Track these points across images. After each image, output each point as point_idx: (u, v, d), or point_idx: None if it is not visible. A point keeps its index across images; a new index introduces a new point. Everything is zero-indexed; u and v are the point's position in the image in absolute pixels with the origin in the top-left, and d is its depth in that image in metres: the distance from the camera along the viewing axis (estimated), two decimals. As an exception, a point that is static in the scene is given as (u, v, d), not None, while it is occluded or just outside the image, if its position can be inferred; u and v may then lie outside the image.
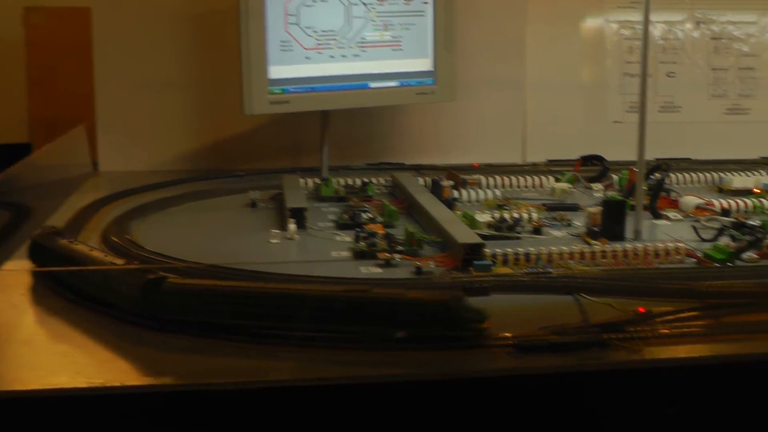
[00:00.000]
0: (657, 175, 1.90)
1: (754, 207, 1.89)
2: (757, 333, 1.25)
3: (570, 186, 2.09)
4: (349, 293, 1.17)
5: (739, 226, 1.69)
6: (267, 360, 1.13)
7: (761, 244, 1.58)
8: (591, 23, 2.50)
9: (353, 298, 1.16)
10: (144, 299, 1.21)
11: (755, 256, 1.55)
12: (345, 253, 1.56)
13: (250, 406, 1.05)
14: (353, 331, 1.15)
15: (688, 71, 2.52)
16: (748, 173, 2.20)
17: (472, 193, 2.00)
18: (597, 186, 2.13)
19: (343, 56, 2.05)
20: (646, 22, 1.65)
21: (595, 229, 1.67)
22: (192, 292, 1.21)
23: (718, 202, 1.89)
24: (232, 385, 1.05)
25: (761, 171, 2.25)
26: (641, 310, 1.22)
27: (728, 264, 1.52)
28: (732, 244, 1.60)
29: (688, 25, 2.53)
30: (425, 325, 1.15)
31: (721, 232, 1.68)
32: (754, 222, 1.72)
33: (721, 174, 2.18)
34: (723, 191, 2.10)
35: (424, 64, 2.15)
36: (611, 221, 1.67)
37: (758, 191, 2.05)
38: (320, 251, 1.60)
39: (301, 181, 2.06)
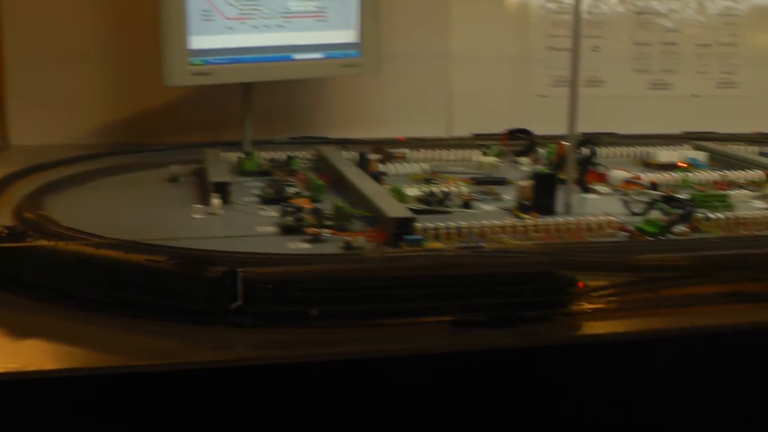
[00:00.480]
0: (585, 149, 1.88)
1: (683, 180, 1.88)
2: (691, 305, 1.24)
3: (497, 160, 2.06)
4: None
5: (669, 199, 1.68)
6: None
7: (691, 217, 1.56)
8: (519, -4, 2.48)
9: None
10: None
11: (686, 229, 1.54)
12: (271, 229, 1.52)
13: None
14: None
15: (613, 46, 2.51)
16: (671, 147, 2.20)
17: (399, 167, 1.96)
18: (524, 160, 2.11)
19: (267, 27, 2.00)
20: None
21: (526, 203, 1.64)
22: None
23: (646, 176, 1.89)
24: (161, 367, 1.00)
25: (685, 145, 2.25)
26: (580, 285, 1.20)
27: (660, 237, 1.51)
28: (663, 217, 1.59)
29: (613, 0, 2.52)
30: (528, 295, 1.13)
31: (651, 205, 1.66)
32: (683, 195, 1.71)
33: (647, 148, 2.17)
34: (649, 165, 2.09)
35: (349, 35, 2.10)
36: (542, 195, 1.64)
37: (684, 165, 2.05)
38: (245, 226, 1.54)
39: (224, 155, 2.01)
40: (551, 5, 2.47)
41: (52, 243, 1.24)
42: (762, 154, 2.21)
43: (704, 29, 2.57)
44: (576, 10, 1.64)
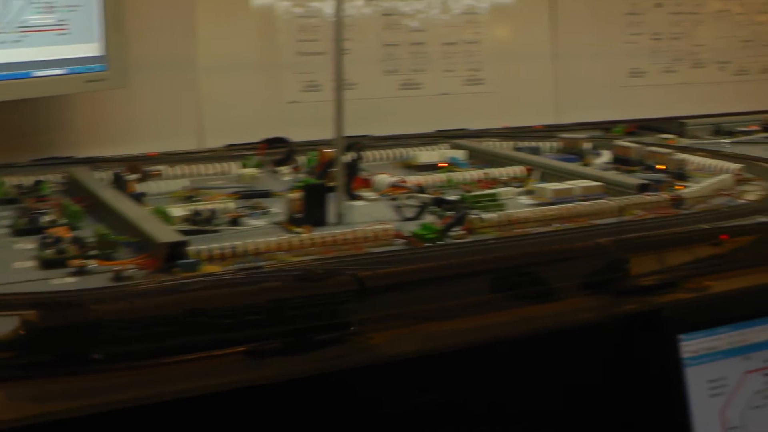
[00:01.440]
0: (350, 154, 1.85)
1: (448, 181, 1.88)
2: (479, 313, 1.23)
3: (257, 171, 2.00)
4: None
5: (440, 202, 1.67)
6: None
7: (465, 219, 1.55)
8: (262, 1, 2.42)
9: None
10: None
11: (462, 231, 1.53)
12: (30, 263, 1.39)
13: None
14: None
15: (361, 48, 2.49)
16: (429, 148, 2.21)
17: (157, 185, 1.86)
18: (284, 169, 2.05)
19: (2, 42, 1.85)
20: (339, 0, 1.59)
21: (297, 215, 1.59)
22: None
23: (411, 179, 1.87)
24: None
25: (440, 145, 2.26)
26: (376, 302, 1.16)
27: (438, 242, 1.49)
28: (437, 221, 1.57)
29: (359, 2, 2.50)
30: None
31: (422, 209, 1.65)
32: (453, 197, 1.70)
33: (405, 150, 2.17)
34: (410, 167, 2.08)
35: (93, 48, 1.98)
36: (313, 206, 1.60)
37: (444, 165, 2.05)
38: (-1, 263, 1.41)
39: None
40: (298, 9, 2.43)
41: None
42: (517, 148, 2.25)
43: (449, 28, 2.60)
44: (338, 13, 1.60)
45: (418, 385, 1.10)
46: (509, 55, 2.67)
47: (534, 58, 2.71)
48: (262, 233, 1.51)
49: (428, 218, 1.60)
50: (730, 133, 2.51)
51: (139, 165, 1.93)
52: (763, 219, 1.63)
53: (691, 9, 2.91)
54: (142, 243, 1.43)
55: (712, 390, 1.19)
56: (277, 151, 2.14)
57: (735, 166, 1.98)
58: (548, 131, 2.53)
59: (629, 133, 2.53)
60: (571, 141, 2.22)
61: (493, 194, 1.71)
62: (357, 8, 2.49)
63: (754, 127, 2.55)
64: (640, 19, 2.84)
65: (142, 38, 2.20)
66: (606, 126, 2.64)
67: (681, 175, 1.92)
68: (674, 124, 2.55)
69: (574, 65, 2.74)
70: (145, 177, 1.90)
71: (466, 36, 2.62)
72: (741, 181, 1.91)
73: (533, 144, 2.29)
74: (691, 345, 1.17)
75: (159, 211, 1.60)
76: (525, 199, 1.76)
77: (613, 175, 1.89)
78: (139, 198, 1.72)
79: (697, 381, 1.17)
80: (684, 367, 1.17)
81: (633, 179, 1.81)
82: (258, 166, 2.04)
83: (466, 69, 2.62)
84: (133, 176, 1.80)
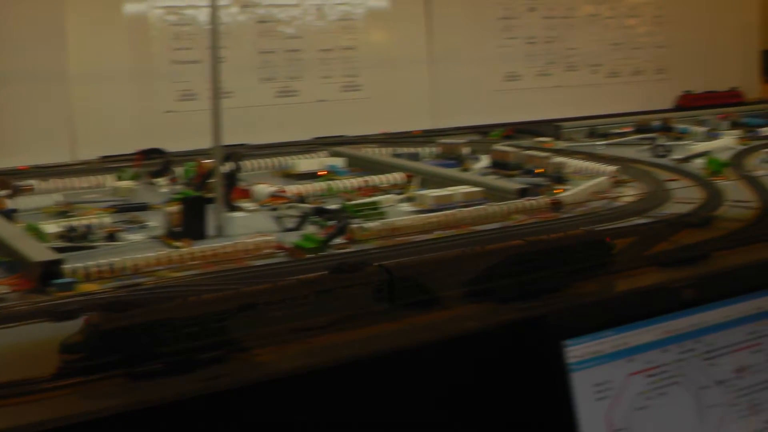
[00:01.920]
0: (228, 164, 1.81)
1: (328, 189, 1.86)
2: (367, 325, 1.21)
3: (134, 183, 1.95)
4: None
5: (320, 211, 1.65)
6: None
7: (347, 228, 1.54)
8: (135, 9, 2.37)
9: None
10: None
11: (344, 240, 1.51)
12: None
13: None
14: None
15: (237, 55, 2.46)
16: (307, 155, 2.19)
17: (29, 200, 1.80)
18: (161, 181, 2.01)
19: None
20: (215, 8, 1.57)
21: (176, 229, 1.55)
22: None
23: (290, 188, 1.85)
24: None
25: (320, 152, 2.25)
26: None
27: (320, 252, 1.47)
28: (318, 231, 1.55)
29: (234, 9, 2.47)
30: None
31: (303, 219, 1.63)
32: (334, 206, 1.69)
33: (284, 158, 2.15)
34: (290, 176, 2.06)
35: (-43, 60, 1.91)
36: (191, 219, 1.56)
37: (324, 173, 2.03)
38: None
39: None
40: (172, 17, 2.39)
41: None
42: (396, 155, 2.25)
43: (325, 34, 2.58)
44: (213, 21, 1.57)
45: (305, 401, 1.08)
46: (386, 60, 2.67)
47: (411, 64, 2.71)
48: (141, 248, 1.48)
49: (309, 228, 1.58)
50: (605, 135, 2.56)
51: (9, 180, 1.87)
52: (641, 220, 1.65)
53: (564, 13, 2.96)
54: (15, 262, 1.38)
55: (597, 393, 1.19)
56: (154, 162, 2.10)
57: (611, 168, 2.01)
58: (426, 136, 2.54)
59: (507, 137, 2.55)
60: (450, 146, 2.23)
61: (374, 203, 1.70)
62: (232, 15, 2.46)
63: (628, 129, 2.60)
64: (514, 23, 2.87)
65: (9, 49, 2.13)
66: (484, 130, 2.66)
67: (559, 178, 1.94)
68: (550, 127, 2.59)
69: (450, 70, 2.76)
70: (16, 192, 1.84)
71: (343, 42, 2.61)
72: (617, 183, 1.94)
73: (412, 150, 2.28)
74: (575, 350, 1.18)
75: (32, 228, 1.55)
76: (406, 207, 1.76)
77: (493, 180, 1.90)
78: (9, 215, 1.66)
79: (582, 385, 1.18)
80: (569, 372, 1.17)
81: (513, 184, 1.82)
82: (134, 178, 1.99)
83: (343, 75, 2.61)
84: (3, 192, 1.74)
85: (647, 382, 1.25)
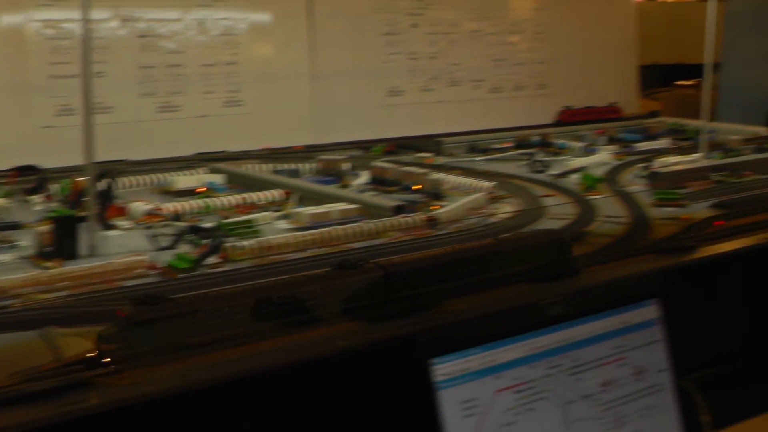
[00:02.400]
0: (103, 181, 1.79)
1: (206, 207, 1.85)
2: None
3: (7, 201, 1.92)
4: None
5: (196, 230, 1.64)
6: None
7: (221, 247, 1.53)
8: (11, 21, 2.32)
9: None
10: None
11: (218, 259, 1.51)
12: None
13: None
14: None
15: (117, 70, 2.43)
16: (187, 172, 2.18)
17: None
18: (36, 198, 1.97)
19: None
20: (86, 21, 1.55)
21: (47, 249, 1.53)
22: None
23: (167, 206, 1.84)
24: None
25: (199, 169, 2.23)
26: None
27: (193, 271, 1.46)
28: (192, 250, 1.55)
29: (114, 23, 2.44)
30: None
31: (177, 238, 1.62)
32: (209, 224, 1.68)
33: (163, 175, 2.13)
34: (168, 193, 2.04)
35: None
36: (63, 239, 1.54)
37: (202, 190, 2.02)
38: None
39: None
40: (49, 31, 2.35)
41: None
42: (276, 171, 2.24)
43: (207, 50, 2.57)
44: (85, 36, 1.56)
45: (181, 422, 1.07)
46: (269, 76, 2.66)
47: (294, 79, 2.71)
48: (9, 269, 1.45)
49: (183, 247, 1.57)
50: (485, 150, 2.59)
51: None
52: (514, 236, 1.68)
53: (446, 29, 2.99)
54: None
55: (465, 411, 1.21)
56: (28, 179, 2.06)
57: (488, 184, 2.04)
58: (308, 152, 2.54)
59: (388, 152, 2.57)
60: (330, 162, 2.23)
61: (250, 221, 1.69)
62: (111, 30, 2.43)
63: (508, 144, 2.64)
64: (397, 39, 2.89)
65: None
66: (366, 145, 2.67)
67: (436, 194, 1.96)
68: (432, 143, 2.61)
69: (333, 85, 2.77)
70: None
71: (225, 57, 2.60)
72: (494, 199, 1.97)
73: (293, 166, 2.28)
74: (443, 368, 1.19)
75: None
76: (283, 224, 1.76)
77: (370, 197, 1.91)
78: None
79: (450, 403, 1.19)
80: (437, 390, 1.18)
81: (389, 201, 1.83)
82: (7, 195, 1.96)
83: (225, 90, 2.60)
84: None
85: (515, 398, 1.27)
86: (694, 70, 2.98)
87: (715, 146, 2.59)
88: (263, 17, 2.67)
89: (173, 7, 2.52)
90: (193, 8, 2.54)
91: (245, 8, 2.62)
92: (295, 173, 2.21)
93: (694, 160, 2.41)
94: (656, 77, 5.16)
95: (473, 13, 3.05)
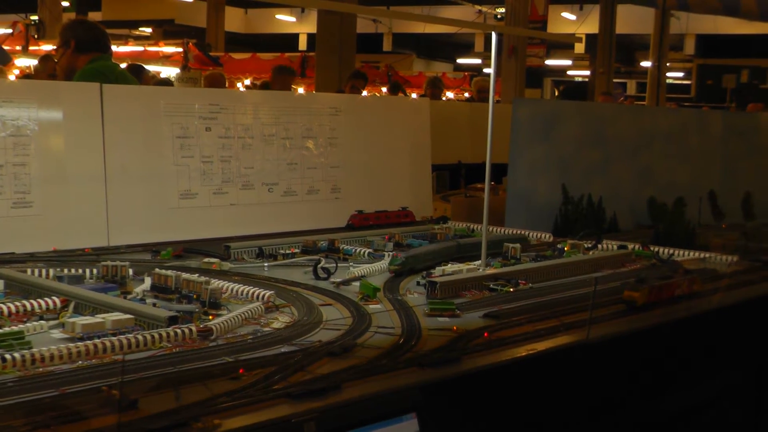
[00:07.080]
0: None
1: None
2: None
3: None
4: None
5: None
6: None
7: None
8: None
9: None
10: None
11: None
12: None
13: None
14: None
15: None
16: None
17: None
18: None
19: None
20: None
21: None
22: None
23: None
24: None
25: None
26: None
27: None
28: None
29: None
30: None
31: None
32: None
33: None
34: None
35: None
36: None
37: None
38: None
39: None
40: None
41: None
42: (58, 277, 2.21)
43: (-6, 150, 2.55)
44: None
45: None
46: (60, 177, 2.66)
47: (86, 181, 2.71)
48: None
49: (-50, 359, 1.56)
50: (273, 256, 2.64)
51: None
52: (285, 349, 1.73)
53: (240, 133, 3.06)
54: None
55: None
56: None
57: (267, 292, 2.08)
58: (96, 254, 2.54)
59: (177, 256, 2.59)
60: (113, 268, 2.22)
61: (20, 332, 1.69)
62: None
63: (294, 250, 2.69)
64: (190, 142, 2.93)
65: None
66: (157, 248, 2.68)
67: (215, 303, 1.99)
68: (220, 247, 2.64)
69: (126, 187, 2.78)
70: None
71: (14, 158, 2.58)
72: (271, 308, 2.02)
73: (76, 272, 2.26)
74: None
75: None
76: (57, 333, 1.76)
77: (144, 307, 1.92)
78: None
79: None
80: None
81: (163, 311, 1.84)
82: None
83: (14, 192, 2.58)
84: None
85: None
86: (497, 171, 3.03)
87: (497, 254, 2.70)
88: (55, 116, 2.67)
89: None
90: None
91: (37, 107, 2.62)
92: (77, 279, 2.19)
93: (475, 268, 2.50)
94: (458, 177, 5.34)
95: (267, 117, 3.13)
